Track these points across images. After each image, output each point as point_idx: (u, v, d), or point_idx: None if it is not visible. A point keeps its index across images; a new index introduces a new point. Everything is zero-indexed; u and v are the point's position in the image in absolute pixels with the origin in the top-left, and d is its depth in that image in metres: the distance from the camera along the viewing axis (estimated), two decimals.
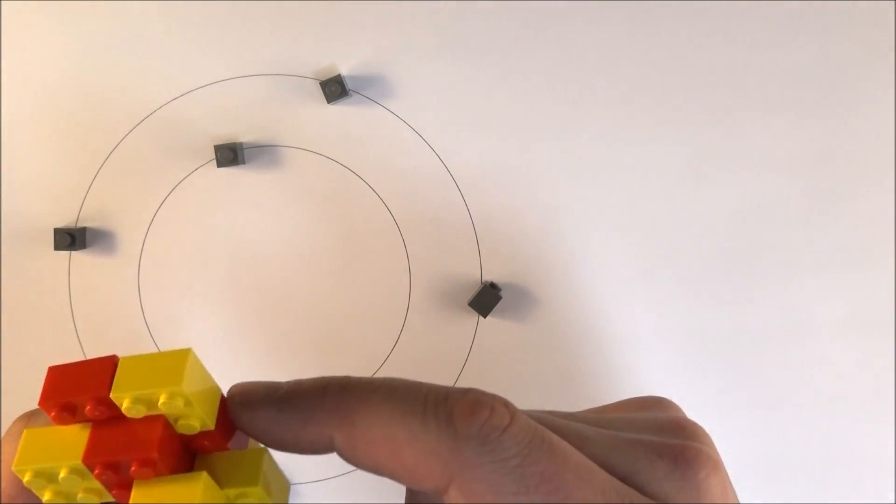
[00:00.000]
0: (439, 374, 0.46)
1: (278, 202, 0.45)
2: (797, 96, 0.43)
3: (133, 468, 0.21)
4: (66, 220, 0.46)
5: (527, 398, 0.45)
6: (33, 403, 0.23)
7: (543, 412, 0.23)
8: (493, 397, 0.20)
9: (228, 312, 0.46)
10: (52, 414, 0.22)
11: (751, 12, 0.42)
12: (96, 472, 0.21)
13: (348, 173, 0.45)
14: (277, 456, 0.23)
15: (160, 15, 0.44)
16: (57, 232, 0.45)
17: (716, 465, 0.21)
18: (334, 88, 0.43)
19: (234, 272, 0.46)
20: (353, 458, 0.21)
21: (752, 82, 0.43)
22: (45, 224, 0.46)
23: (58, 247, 0.45)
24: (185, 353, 0.21)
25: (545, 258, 0.45)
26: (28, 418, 0.24)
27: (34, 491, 0.22)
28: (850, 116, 0.43)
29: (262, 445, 0.23)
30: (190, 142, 0.45)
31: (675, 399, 0.25)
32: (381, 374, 0.46)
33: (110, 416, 0.22)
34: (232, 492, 0.22)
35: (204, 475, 0.21)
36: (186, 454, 0.22)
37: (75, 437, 0.22)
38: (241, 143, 0.45)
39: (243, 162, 0.45)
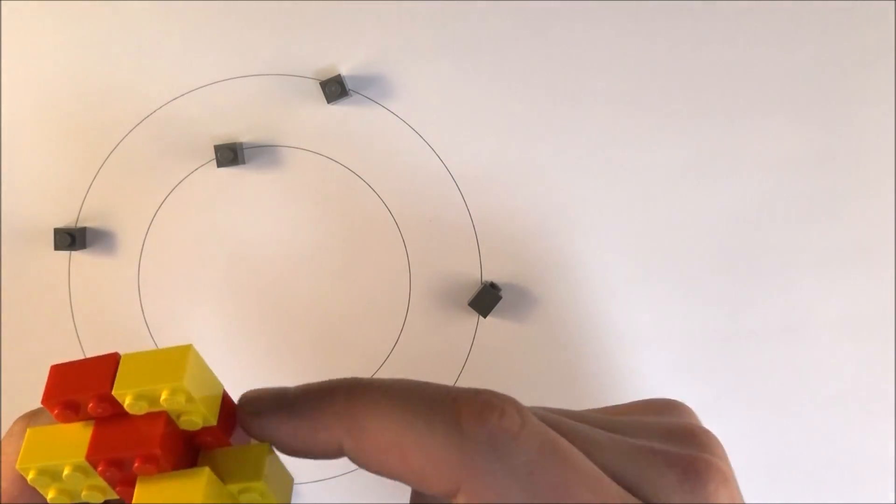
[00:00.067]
0: (439, 374, 0.46)
1: (278, 202, 0.45)
2: (797, 96, 0.43)
3: (136, 465, 0.21)
4: (66, 220, 0.46)
5: (527, 398, 0.44)
6: (33, 403, 0.23)
7: (553, 411, 0.22)
8: (505, 400, 0.20)
9: (228, 312, 0.46)
10: (55, 412, 0.22)
11: (751, 12, 0.43)
12: (100, 469, 0.21)
13: (348, 173, 0.45)
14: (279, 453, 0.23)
15: (160, 15, 0.44)
16: (57, 232, 0.45)
17: (726, 478, 0.21)
18: (334, 88, 0.43)
19: (234, 272, 0.46)
20: (363, 463, 0.21)
21: (752, 82, 0.43)
22: (45, 224, 0.46)
23: (58, 247, 0.45)
24: (186, 350, 0.21)
25: (545, 258, 0.45)
26: (29, 418, 0.24)
27: (38, 489, 0.22)
28: (850, 116, 0.43)
29: None
30: (190, 142, 0.45)
31: (676, 399, 0.25)
32: (381, 374, 0.46)
33: (113, 414, 0.22)
34: (235, 487, 0.22)
35: (207, 470, 0.21)
36: (189, 450, 0.22)
37: (78, 434, 0.22)
38: (241, 143, 0.45)
39: (243, 162, 0.45)
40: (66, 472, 0.21)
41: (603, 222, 0.44)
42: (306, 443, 0.22)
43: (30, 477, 0.22)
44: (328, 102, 0.44)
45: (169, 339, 0.46)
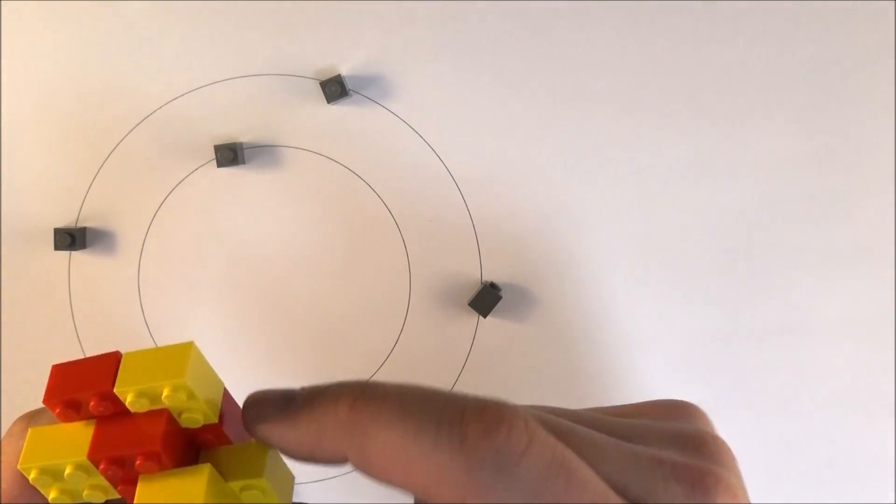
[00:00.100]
0: (439, 374, 0.46)
1: (278, 202, 0.45)
2: (797, 96, 0.43)
3: (138, 462, 0.21)
4: (66, 220, 0.46)
5: (527, 398, 0.45)
6: (34, 403, 0.23)
7: (560, 413, 0.22)
8: (514, 412, 0.19)
9: (228, 312, 0.46)
10: (57, 411, 0.22)
11: (751, 12, 0.43)
12: (101, 467, 0.21)
13: (348, 173, 0.45)
14: None
15: (160, 15, 0.44)
16: (57, 232, 0.45)
17: (735, 494, 0.20)
18: (334, 88, 0.43)
19: (234, 272, 0.46)
20: (367, 473, 0.21)
21: (752, 82, 0.43)
22: (45, 224, 0.46)
23: (58, 247, 0.45)
24: (187, 347, 0.21)
25: (545, 258, 0.45)
26: (29, 419, 0.24)
27: (39, 489, 0.22)
28: (850, 116, 0.43)
29: None
30: (190, 142, 0.45)
31: (688, 401, 0.25)
32: (380, 375, 0.46)
33: (114, 412, 0.22)
34: (236, 484, 0.22)
35: (208, 467, 0.21)
36: (191, 448, 0.22)
37: (80, 433, 0.22)
38: (241, 143, 0.45)
39: (243, 162, 0.45)
40: (67, 471, 0.21)
41: (603, 222, 0.44)
42: (311, 451, 0.21)
43: (31, 477, 0.22)
44: (328, 102, 0.44)
45: (169, 338, 0.46)
